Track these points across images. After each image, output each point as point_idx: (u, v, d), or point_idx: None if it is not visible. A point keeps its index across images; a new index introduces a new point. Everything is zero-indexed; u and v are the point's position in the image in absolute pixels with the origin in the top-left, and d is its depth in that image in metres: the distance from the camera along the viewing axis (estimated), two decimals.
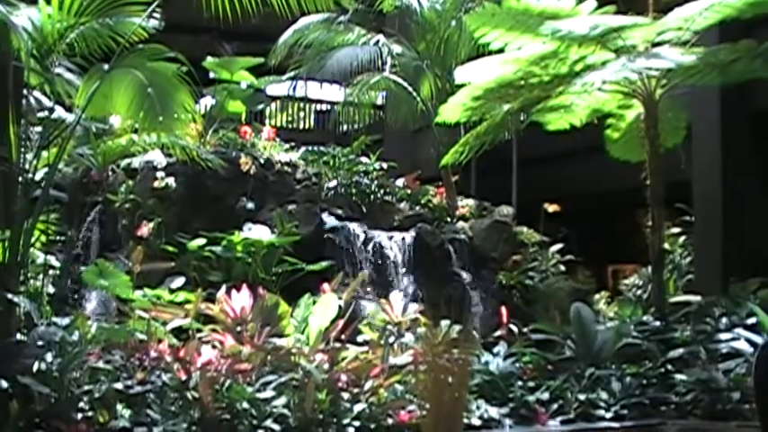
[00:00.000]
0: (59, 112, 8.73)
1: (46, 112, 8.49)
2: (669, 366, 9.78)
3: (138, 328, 8.47)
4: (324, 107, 24.32)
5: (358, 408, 7.87)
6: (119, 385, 7.31)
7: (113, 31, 8.54)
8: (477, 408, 8.51)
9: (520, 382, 9.36)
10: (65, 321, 7.88)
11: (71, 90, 8.95)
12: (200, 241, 10.55)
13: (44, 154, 8.47)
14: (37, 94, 8.78)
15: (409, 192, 13.82)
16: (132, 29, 8.53)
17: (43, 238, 9.37)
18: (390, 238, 12.20)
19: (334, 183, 12.90)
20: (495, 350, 9.89)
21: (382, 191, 13.24)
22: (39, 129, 8.51)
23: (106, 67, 8.49)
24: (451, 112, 12.26)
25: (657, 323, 10.80)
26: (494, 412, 8.56)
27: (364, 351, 8.84)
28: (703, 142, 13.70)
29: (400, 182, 14.14)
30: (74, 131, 8.55)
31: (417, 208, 13.51)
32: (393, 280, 11.73)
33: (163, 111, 8.87)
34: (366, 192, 13.01)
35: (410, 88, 15.01)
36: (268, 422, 7.38)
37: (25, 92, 8.27)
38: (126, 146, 9.88)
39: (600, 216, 20.11)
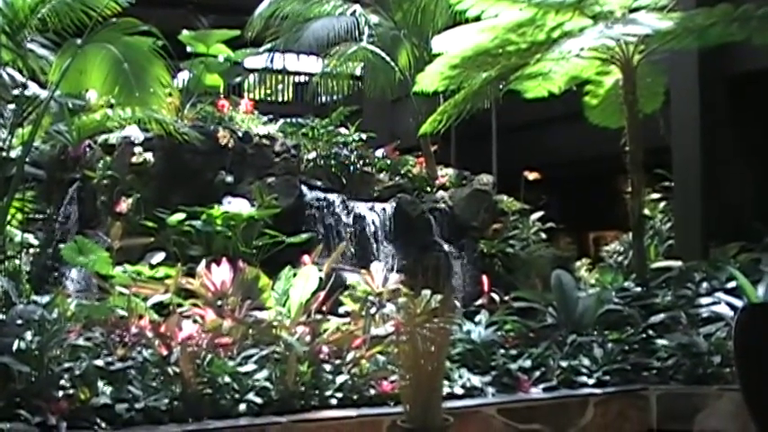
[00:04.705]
0: (33, 88, 8.66)
1: (19, 89, 8.42)
2: (650, 332, 9.79)
3: (118, 305, 8.44)
4: (302, 79, 24.24)
5: (340, 379, 7.87)
6: (99, 362, 7.26)
7: (85, 4, 8.47)
8: (460, 377, 8.51)
9: (502, 351, 9.35)
10: (44, 299, 7.84)
11: (45, 66, 8.86)
12: (180, 216, 10.50)
13: (20, 131, 8.41)
14: (10, 70, 8.69)
15: (389, 162, 13.80)
16: (105, 2, 8.46)
17: (20, 216, 9.32)
18: (370, 208, 12.20)
19: (313, 154, 12.87)
20: (477, 319, 9.88)
21: (361, 162, 13.22)
22: (13, 106, 8.45)
23: (79, 41, 8.42)
24: (429, 80, 12.21)
25: (638, 289, 10.81)
26: (476, 381, 8.56)
27: (346, 322, 8.84)
28: (682, 107, 13.70)
29: (379, 152, 14.12)
30: (48, 108, 8.47)
31: (397, 178, 13.49)
32: (373, 251, 11.73)
33: (138, 85, 8.82)
34: (345, 163, 12.99)
35: (388, 58, 14.98)
36: (250, 396, 7.37)
37: None
38: (101, 121, 9.81)
39: (580, 183, 20.16)
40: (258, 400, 7.36)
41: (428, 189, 13.53)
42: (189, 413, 7.05)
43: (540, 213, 13.57)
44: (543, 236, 13.34)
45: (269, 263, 10.10)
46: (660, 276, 11.22)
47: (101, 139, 11.56)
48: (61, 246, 9.77)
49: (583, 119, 13.49)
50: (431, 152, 14.61)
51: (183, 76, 14.16)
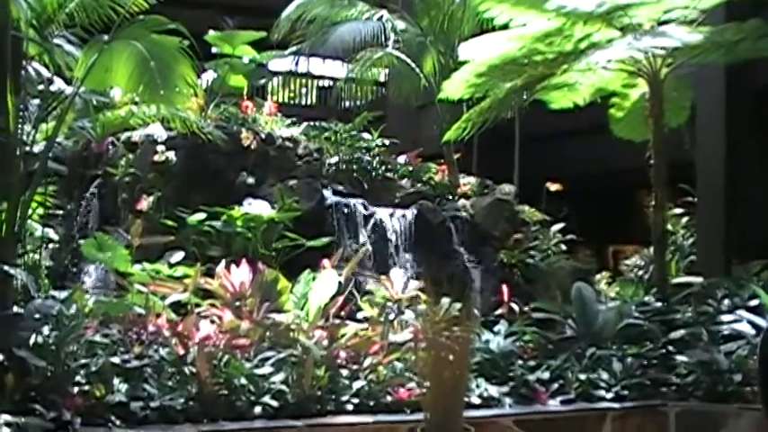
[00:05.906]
0: (59, 83, 8.65)
1: (45, 84, 8.42)
2: (670, 347, 9.72)
3: (136, 303, 8.42)
4: (326, 83, 24.24)
5: (357, 385, 7.84)
6: (116, 359, 7.27)
7: (113, 1, 8.46)
8: (477, 386, 8.47)
9: (520, 361, 9.30)
10: (63, 294, 7.82)
11: (71, 62, 8.87)
12: (200, 216, 10.49)
13: (44, 126, 8.41)
14: (36, 65, 8.68)
15: (411, 169, 13.75)
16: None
17: (41, 211, 9.32)
18: (391, 214, 12.15)
19: (335, 159, 12.83)
20: (496, 329, 9.83)
21: (384, 167, 13.18)
22: (38, 101, 8.45)
23: (106, 38, 8.41)
24: (455, 88, 12.15)
25: (659, 304, 10.73)
26: (494, 391, 8.51)
27: (364, 328, 8.80)
28: (707, 122, 13.58)
29: (402, 159, 14.07)
30: (73, 104, 8.47)
31: (419, 185, 13.44)
32: (393, 257, 11.68)
33: (163, 83, 8.79)
34: (367, 168, 12.95)
35: (413, 64, 14.91)
36: (266, 398, 7.34)
37: (24, 62, 8.18)
38: (125, 117, 9.80)
39: (602, 196, 20.09)
40: (274, 403, 7.33)
41: (449, 197, 13.48)
42: (204, 413, 7.04)
43: (560, 225, 13.50)
44: (564, 247, 13.27)
45: (288, 266, 10.08)
46: (681, 292, 11.13)
47: (124, 136, 11.58)
48: (81, 242, 9.77)
49: (607, 131, 13.40)
50: (453, 160, 14.55)
51: (208, 76, 14.16)
